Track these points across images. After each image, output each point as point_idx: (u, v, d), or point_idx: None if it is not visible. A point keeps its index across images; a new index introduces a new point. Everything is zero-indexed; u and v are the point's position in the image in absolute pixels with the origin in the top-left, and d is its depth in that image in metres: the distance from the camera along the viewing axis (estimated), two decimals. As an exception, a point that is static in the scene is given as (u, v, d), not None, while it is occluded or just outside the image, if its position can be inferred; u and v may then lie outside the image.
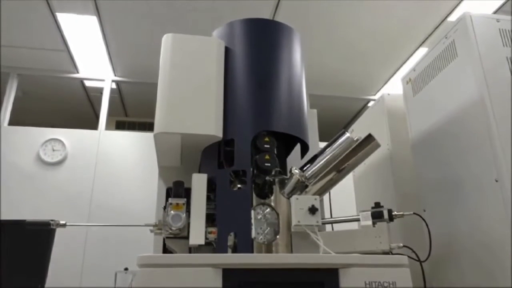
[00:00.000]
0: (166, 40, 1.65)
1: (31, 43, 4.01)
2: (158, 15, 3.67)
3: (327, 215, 1.86)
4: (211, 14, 3.63)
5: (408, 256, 1.34)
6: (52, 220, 1.56)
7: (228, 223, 1.41)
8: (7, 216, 3.44)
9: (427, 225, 1.66)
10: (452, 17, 3.67)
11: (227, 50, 1.68)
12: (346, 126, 5.43)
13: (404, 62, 4.39)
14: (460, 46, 1.72)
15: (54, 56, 4.22)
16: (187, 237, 1.38)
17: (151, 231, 1.50)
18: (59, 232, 1.65)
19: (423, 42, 4.07)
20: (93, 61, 4.36)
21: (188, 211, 1.42)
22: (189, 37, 1.66)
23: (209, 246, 1.41)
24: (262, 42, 1.70)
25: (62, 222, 1.57)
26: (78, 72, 4.51)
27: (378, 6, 3.58)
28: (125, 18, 3.71)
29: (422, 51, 4.07)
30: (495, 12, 3.57)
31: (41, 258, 1.73)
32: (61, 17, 3.64)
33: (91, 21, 3.70)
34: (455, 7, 3.57)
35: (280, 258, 1.31)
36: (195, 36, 1.66)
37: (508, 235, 1.41)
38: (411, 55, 4.26)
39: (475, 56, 1.62)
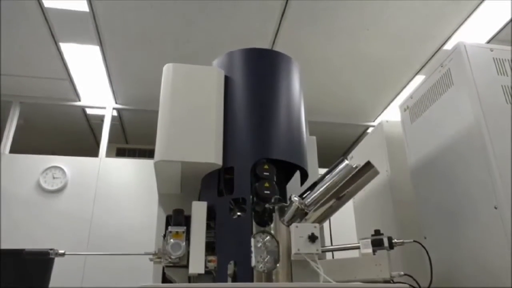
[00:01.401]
0: (167, 69, 1.69)
1: (34, 72, 4.07)
2: (159, 45, 3.74)
3: (327, 242, 1.85)
4: (210, 44, 3.71)
5: (409, 285, 1.33)
6: (51, 249, 1.55)
7: (228, 252, 1.41)
8: (7, 244, 3.42)
9: (427, 253, 1.65)
10: (448, 46, 3.74)
11: (227, 79, 1.71)
12: (345, 153, 5.46)
13: (402, 89, 4.44)
14: (455, 74, 1.75)
15: (57, 85, 4.27)
16: (186, 266, 1.37)
17: (151, 259, 1.49)
18: (57, 259, 1.64)
19: (420, 70, 4.13)
20: (94, 89, 4.42)
21: (188, 239, 1.41)
22: (190, 67, 1.69)
23: (209, 275, 1.40)
24: (261, 71, 1.74)
25: (61, 251, 1.56)
26: (79, 100, 4.56)
27: (375, 35, 3.66)
28: (127, 48, 3.78)
29: (419, 78, 4.12)
30: (488, 42, 3.64)
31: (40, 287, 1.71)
32: (64, 46, 3.71)
33: (94, 50, 3.77)
34: (450, 36, 3.64)
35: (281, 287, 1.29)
36: (196, 66, 1.70)
37: (509, 262, 1.40)
38: (409, 82, 4.32)
39: (471, 84, 1.65)
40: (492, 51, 1.74)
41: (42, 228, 3.69)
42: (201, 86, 1.64)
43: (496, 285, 1.46)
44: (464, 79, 1.68)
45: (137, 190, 4.03)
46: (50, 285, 1.74)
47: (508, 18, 3.44)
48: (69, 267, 3.41)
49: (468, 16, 3.42)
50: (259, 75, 1.72)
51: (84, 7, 3.24)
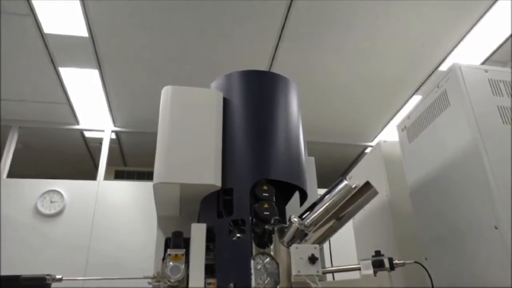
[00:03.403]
0: (166, 92, 1.70)
1: (33, 97, 4.10)
2: (157, 68, 3.78)
3: (327, 263, 1.83)
4: (209, 67, 3.75)
5: (411, 306, 1.31)
6: (48, 275, 1.53)
7: (228, 274, 1.39)
8: (4, 270, 3.37)
9: (429, 274, 1.63)
10: (444, 66, 3.79)
11: (225, 101, 1.72)
12: (344, 173, 5.46)
13: (400, 109, 4.48)
14: (452, 95, 1.77)
15: (55, 109, 4.30)
16: (186, 289, 1.36)
17: (150, 283, 1.48)
18: (54, 284, 1.61)
19: (417, 90, 4.17)
20: (93, 113, 4.44)
21: (187, 261, 1.40)
22: (188, 89, 1.70)
23: (208, 298, 1.38)
24: (259, 93, 1.75)
25: (58, 276, 1.54)
26: (78, 124, 4.58)
27: (372, 56, 3.70)
28: (126, 71, 3.82)
29: (417, 98, 4.16)
30: (483, 63, 3.69)
31: (36, 314, 1.68)
32: (63, 71, 3.75)
33: (93, 74, 3.80)
34: (446, 56, 3.69)
35: (281, 309, 1.28)
36: (194, 88, 1.71)
37: (510, 281, 1.39)
38: (406, 102, 4.36)
39: (467, 105, 1.66)
40: (487, 72, 1.76)
41: (39, 252, 3.66)
42: (199, 108, 1.65)
43: (499, 305, 1.45)
44: (460, 100, 1.70)
45: (135, 212, 4.01)
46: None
47: (502, 40, 3.50)
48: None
49: (464, 37, 3.48)
50: (257, 97, 1.73)
51: (83, 32, 3.29)
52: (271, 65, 3.77)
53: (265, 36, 3.48)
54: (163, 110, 1.66)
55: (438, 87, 1.87)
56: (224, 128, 1.65)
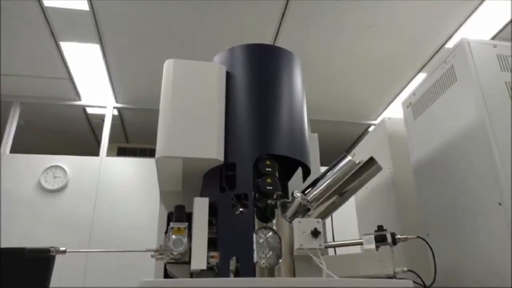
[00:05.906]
0: (168, 65, 1.67)
1: (35, 72, 4.07)
2: (159, 43, 3.73)
3: (329, 239, 1.83)
4: (211, 43, 3.70)
5: (413, 281, 1.31)
6: (52, 247, 1.54)
7: (230, 247, 1.40)
8: (8, 243, 3.40)
9: (431, 249, 1.64)
10: (450, 44, 3.73)
11: (228, 75, 1.70)
12: (347, 151, 5.43)
13: (404, 87, 4.44)
14: (459, 70, 1.74)
15: (57, 84, 4.27)
16: (188, 262, 1.36)
17: (153, 256, 1.48)
18: (58, 258, 1.63)
19: (422, 68, 4.12)
20: (95, 88, 4.41)
21: (189, 235, 1.41)
22: (191, 62, 1.67)
23: (211, 271, 1.38)
24: (263, 67, 1.72)
25: (62, 248, 1.55)
26: (80, 100, 4.56)
27: (377, 33, 3.65)
28: (127, 46, 3.77)
29: (422, 76, 4.12)
30: (492, 39, 3.63)
31: (40, 286, 1.70)
32: (65, 45, 3.71)
33: (94, 49, 3.76)
34: (452, 34, 3.63)
35: (283, 282, 1.28)
36: (197, 61, 1.68)
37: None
38: (411, 80, 4.31)
39: (474, 80, 1.64)
40: (495, 47, 1.73)
41: (43, 227, 3.69)
42: (202, 81, 1.63)
43: (500, 281, 1.45)
44: (468, 75, 1.67)
45: (138, 189, 4.03)
46: (52, 284, 1.73)
47: (510, 18, 3.44)
48: (71, 267, 3.40)
49: (470, 15, 3.42)
50: (261, 71, 1.70)
51: (84, 5, 3.24)
52: (274, 42, 3.72)
53: (269, 14, 3.42)
54: (165, 83, 1.63)
55: (445, 62, 1.84)
56: (227, 102, 1.63)
